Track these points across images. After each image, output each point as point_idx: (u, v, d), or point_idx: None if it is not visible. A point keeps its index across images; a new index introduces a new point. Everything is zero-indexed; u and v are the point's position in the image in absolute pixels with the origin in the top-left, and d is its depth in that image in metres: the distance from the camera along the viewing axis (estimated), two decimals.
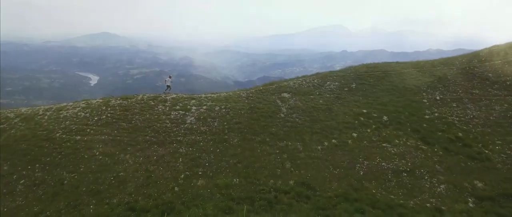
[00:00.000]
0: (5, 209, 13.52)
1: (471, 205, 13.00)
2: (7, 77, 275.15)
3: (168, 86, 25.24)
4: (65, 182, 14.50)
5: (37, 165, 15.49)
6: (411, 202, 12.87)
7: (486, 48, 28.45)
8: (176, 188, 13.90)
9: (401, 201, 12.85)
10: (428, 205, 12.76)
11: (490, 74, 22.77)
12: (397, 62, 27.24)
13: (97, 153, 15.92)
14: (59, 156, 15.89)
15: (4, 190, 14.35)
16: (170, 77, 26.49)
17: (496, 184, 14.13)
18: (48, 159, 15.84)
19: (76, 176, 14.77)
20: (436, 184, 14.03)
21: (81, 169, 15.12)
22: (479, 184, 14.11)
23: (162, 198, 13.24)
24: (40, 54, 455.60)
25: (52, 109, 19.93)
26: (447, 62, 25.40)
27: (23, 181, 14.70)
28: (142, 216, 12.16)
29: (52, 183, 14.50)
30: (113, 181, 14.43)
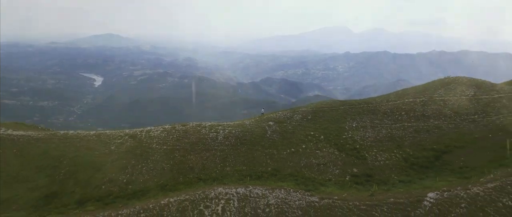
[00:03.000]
0: (141, 180, 30.54)
1: (347, 178, 29.83)
2: (12, 78, 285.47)
3: (262, 114, 43.01)
4: (165, 168, 31.48)
5: (149, 161, 32.46)
6: (320, 177, 29.72)
7: (399, 90, 45.32)
8: (217, 171, 30.86)
9: (315, 176, 29.73)
10: (327, 178, 29.63)
11: (388, 110, 39.65)
12: (341, 101, 44.17)
13: (177, 155, 32.94)
14: (159, 156, 32.87)
15: (138, 172, 31.39)
16: (263, 108, 45.64)
17: (363, 170, 30.94)
18: (153, 158, 32.83)
19: (169, 166, 31.75)
20: (335, 170, 30.91)
21: (171, 162, 32.10)
22: (355, 170, 30.95)
23: (212, 174, 30.15)
24: (45, 55, 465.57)
25: (144, 131, 36.91)
26: (368, 101, 42.25)
27: (145, 168, 31.68)
28: (205, 181, 29.04)
29: (159, 169, 31.46)
30: (187, 168, 31.43)
